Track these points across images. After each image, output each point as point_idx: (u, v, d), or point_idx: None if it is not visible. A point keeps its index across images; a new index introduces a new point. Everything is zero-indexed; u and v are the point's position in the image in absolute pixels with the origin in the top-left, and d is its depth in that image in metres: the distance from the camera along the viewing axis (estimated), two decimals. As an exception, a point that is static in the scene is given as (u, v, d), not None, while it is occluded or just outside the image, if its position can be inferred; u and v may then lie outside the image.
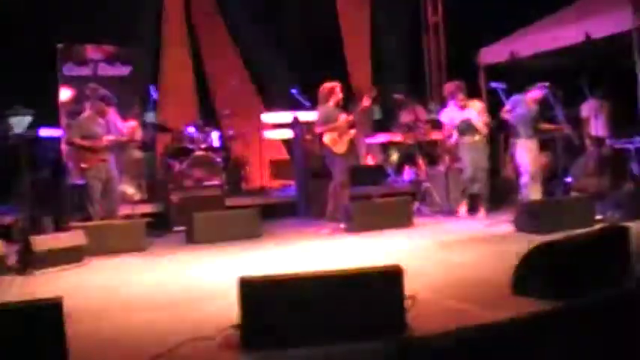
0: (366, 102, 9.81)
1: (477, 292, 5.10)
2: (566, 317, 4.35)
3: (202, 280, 6.29)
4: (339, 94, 9.63)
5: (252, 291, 3.76)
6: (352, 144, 9.77)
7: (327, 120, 9.51)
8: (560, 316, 4.34)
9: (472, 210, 9.91)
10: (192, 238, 8.54)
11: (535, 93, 9.54)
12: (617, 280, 4.92)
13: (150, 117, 11.05)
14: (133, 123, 10.54)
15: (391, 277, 3.90)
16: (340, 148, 9.50)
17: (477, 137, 9.81)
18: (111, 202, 8.93)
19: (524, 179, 9.47)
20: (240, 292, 3.82)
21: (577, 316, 4.37)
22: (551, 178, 10.74)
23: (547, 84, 9.38)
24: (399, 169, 13.42)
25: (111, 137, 9.01)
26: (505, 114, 9.62)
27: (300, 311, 3.73)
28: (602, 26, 9.90)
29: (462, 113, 9.74)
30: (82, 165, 8.74)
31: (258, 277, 3.89)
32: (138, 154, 11.03)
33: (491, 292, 4.99)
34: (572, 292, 4.47)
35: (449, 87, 10.10)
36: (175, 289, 5.91)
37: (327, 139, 9.49)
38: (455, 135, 9.90)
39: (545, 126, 9.66)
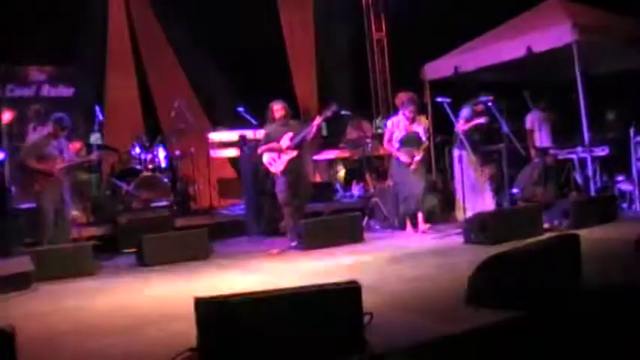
0: (315, 126, 9.60)
1: (432, 305, 5.12)
2: (520, 328, 4.41)
3: (156, 303, 6.17)
4: (277, 113, 9.46)
5: (209, 313, 3.71)
6: (297, 162, 9.63)
7: (268, 139, 9.47)
8: (515, 326, 4.40)
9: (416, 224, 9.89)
10: (142, 261, 8.38)
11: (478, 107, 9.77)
12: (569, 288, 5.00)
13: (95, 138, 10.86)
14: (77, 144, 10.36)
15: (349, 294, 3.88)
16: (277, 167, 9.38)
17: (418, 153, 9.82)
18: (64, 226, 8.78)
19: (472, 190, 9.60)
20: (197, 314, 3.76)
21: (531, 326, 4.44)
22: (497, 189, 10.89)
23: (491, 97, 9.53)
24: (347, 184, 13.46)
25: (67, 158, 8.89)
26: (463, 125, 9.75)
27: (258, 332, 3.69)
28: (543, 40, 10.11)
29: (411, 125, 9.76)
30: (37, 187, 8.57)
31: (214, 299, 3.83)
32: (84, 175, 10.85)
33: (447, 304, 5.01)
34: (525, 302, 4.53)
35: (402, 96, 9.92)
36: (129, 313, 5.78)
37: (265, 158, 9.46)
38: (397, 145, 9.80)
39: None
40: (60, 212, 8.71)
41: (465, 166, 9.72)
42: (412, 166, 9.55)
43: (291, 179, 9.34)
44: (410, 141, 9.68)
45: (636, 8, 10.96)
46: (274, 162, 9.42)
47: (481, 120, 9.74)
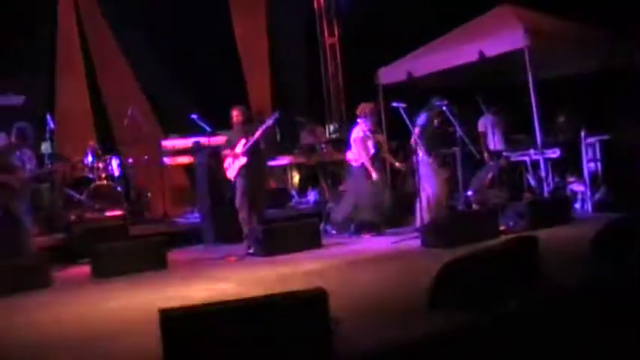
0: (258, 133, 9.59)
1: (396, 310, 5.12)
2: (481, 331, 4.44)
3: (112, 315, 6.03)
4: (235, 118, 9.61)
5: (174, 324, 3.64)
6: (250, 169, 9.56)
7: (228, 145, 9.56)
8: (478, 330, 4.43)
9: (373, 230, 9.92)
10: (96, 271, 8.23)
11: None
12: (529, 290, 5.05)
13: (45, 147, 10.66)
14: (27, 152, 10.15)
15: (316, 300, 3.86)
16: (231, 173, 9.50)
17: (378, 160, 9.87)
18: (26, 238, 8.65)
19: (430, 195, 9.64)
20: (162, 326, 3.69)
21: (492, 329, 4.48)
22: (451, 192, 10.97)
23: (445, 102, 9.58)
24: (302, 190, 13.43)
25: (29, 169, 8.78)
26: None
27: (225, 342, 3.63)
28: (496, 45, 10.23)
29: (375, 136, 9.80)
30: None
31: (178, 309, 3.77)
32: (35, 185, 10.62)
33: (410, 309, 5.00)
34: (486, 305, 4.57)
35: (365, 108, 9.99)
36: (84, 327, 5.64)
37: (225, 164, 9.56)
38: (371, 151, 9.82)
39: None
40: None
41: (426, 169, 9.75)
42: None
43: (245, 185, 9.37)
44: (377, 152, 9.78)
45: (583, 14, 11.18)
46: (230, 168, 9.52)
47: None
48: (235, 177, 9.46)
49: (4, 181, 8.42)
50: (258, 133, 9.31)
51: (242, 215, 9.42)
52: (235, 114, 9.61)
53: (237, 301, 3.88)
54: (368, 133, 9.84)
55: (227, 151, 9.57)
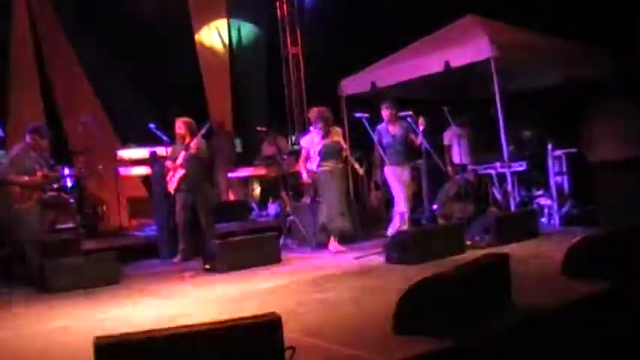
0: (193, 145, 9.39)
1: (358, 333, 4.77)
2: (455, 356, 4.14)
3: (57, 336, 5.59)
4: (178, 130, 9.60)
5: (110, 356, 3.25)
6: (189, 181, 9.48)
7: (170, 157, 9.62)
8: (449, 355, 4.13)
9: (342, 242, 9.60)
10: (45, 287, 7.79)
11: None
12: (501, 310, 4.78)
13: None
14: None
15: (268, 327, 3.50)
16: (171, 186, 9.51)
17: (339, 165, 9.56)
18: None
19: (396, 208, 9.46)
20: (96, 358, 3.30)
21: (464, 354, 4.18)
22: (416, 205, 10.75)
23: (410, 113, 9.36)
24: (263, 203, 13.13)
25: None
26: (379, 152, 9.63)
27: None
28: (461, 56, 10.02)
29: (328, 138, 9.48)
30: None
31: (116, 338, 3.37)
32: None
33: (375, 332, 4.67)
34: (457, 327, 4.27)
35: (312, 113, 9.73)
36: (27, 348, 5.24)
37: (167, 177, 9.57)
38: (317, 161, 9.51)
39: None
40: None
41: (393, 181, 9.53)
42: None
43: (185, 198, 9.46)
44: (330, 152, 9.43)
45: (550, 27, 11.08)
46: (170, 180, 9.56)
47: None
48: (175, 190, 9.46)
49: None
50: (193, 144, 9.28)
51: (180, 229, 9.45)
52: (178, 125, 9.60)
53: (182, 328, 3.49)
54: (315, 139, 9.50)
55: (168, 163, 9.54)
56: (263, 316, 3.63)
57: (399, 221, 9.53)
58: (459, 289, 4.51)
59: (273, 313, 3.63)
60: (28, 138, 8.65)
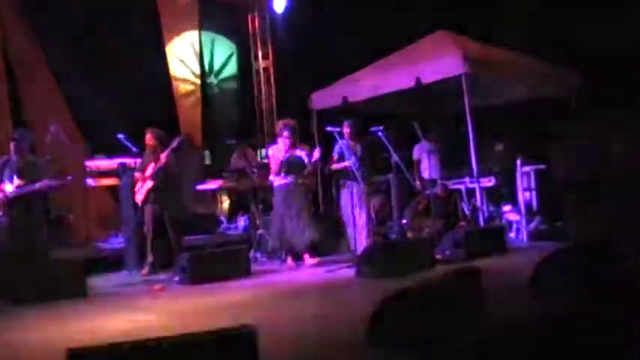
0: (163, 157, 9.34)
1: (329, 348, 4.74)
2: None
3: (22, 351, 5.44)
4: (148, 141, 9.52)
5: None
6: (158, 193, 9.38)
7: (138, 168, 9.54)
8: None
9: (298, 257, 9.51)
10: (8, 297, 7.63)
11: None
12: (473, 324, 4.78)
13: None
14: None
15: (244, 339, 3.45)
16: (139, 197, 9.43)
17: (299, 180, 9.51)
18: None
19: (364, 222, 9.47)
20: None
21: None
22: (385, 220, 10.77)
23: (381, 127, 9.37)
24: (232, 216, 13.05)
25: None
26: (333, 164, 9.62)
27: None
28: (433, 71, 10.10)
29: (293, 150, 9.44)
30: None
31: (89, 349, 3.32)
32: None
33: (345, 347, 4.65)
34: (427, 341, 4.26)
35: (279, 123, 9.75)
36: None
37: (136, 188, 9.50)
38: (282, 173, 9.46)
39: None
40: None
41: (353, 196, 9.54)
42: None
43: (153, 210, 9.33)
44: (292, 165, 9.38)
45: (520, 44, 11.23)
46: (138, 192, 9.45)
47: (346, 164, 9.51)
48: (142, 201, 9.37)
49: None
50: (163, 157, 9.24)
51: (148, 241, 9.37)
52: (148, 137, 9.52)
53: (155, 340, 3.44)
54: (282, 150, 9.47)
55: (137, 174, 9.48)
56: (238, 328, 3.57)
57: (364, 237, 9.51)
58: (429, 303, 4.51)
59: (248, 326, 3.57)
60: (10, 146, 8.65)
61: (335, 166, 9.71)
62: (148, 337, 3.57)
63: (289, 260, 9.40)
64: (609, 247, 6.36)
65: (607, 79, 11.38)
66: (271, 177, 9.62)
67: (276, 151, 9.52)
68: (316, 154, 9.37)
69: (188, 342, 3.36)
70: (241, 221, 12.40)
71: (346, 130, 9.78)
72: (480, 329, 4.71)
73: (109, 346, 3.39)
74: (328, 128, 9.36)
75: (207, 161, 14.27)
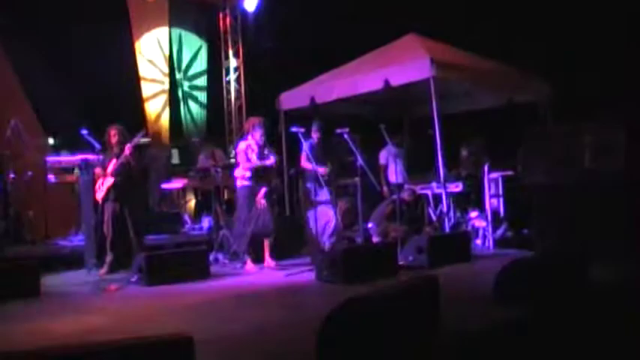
0: (127, 150, 9.15)
1: (280, 354, 4.59)
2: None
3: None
4: (112, 138, 9.34)
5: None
6: (119, 191, 9.21)
7: (99, 165, 9.39)
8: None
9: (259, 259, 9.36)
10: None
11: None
12: (429, 333, 4.65)
13: None
14: None
15: (179, 349, 3.26)
16: (99, 194, 9.28)
17: (265, 182, 9.34)
18: None
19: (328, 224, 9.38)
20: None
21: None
22: (351, 224, 10.64)
23: (347, 129, 9.24)
24: (197, 216, 12.85)
25: None
26: (305, 162, 9.52)
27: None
28: (401, 74, 9.99)
29: (263, 152, 9.25)
30: None
31: (32, 352, 3.10)
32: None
33: (297, 353, 4.51)
34: (383, 348, 4.13)
35: (253, 120, 9.41)
36: None
37: (97, 185, 9.36)
38: (247, 174, 9.27)
39: None
40: None
41: (319, 199, 9.45)
42: (261, 202, 9.11)
43: (114, 208, 9.18)
44: (260, 173, 9.20)
45: (488, 50, 11.17)
46: (99, 189, 9.29)
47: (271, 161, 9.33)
48: (103, 199, 9.21)
49: None
50: (127, 150, 9.09)
51: (107, 240, 9.19)
52: (113, 133, 9.35)
53: (85, 347, 3.24)
54: (253, 146, 9.26)
55: (98, 171, 9.34)
56: (174, 336, 3.38)
57: (327, 238, 9.41)
58: (385, 310, 4.36)
59: (184, 336, 3.38)
60: None
61: (304, 165, 9.59)
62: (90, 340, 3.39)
63: (249, 263, 9.21)
64: (574, 258, 6.27)
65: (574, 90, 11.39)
66: (237, 172, 9.40)
67: (247, 149, 9.27)
68: (272, 160, 9.20)
69: (117, 348, 3.17)
70: (205, 222, 12.21)
71: (315, 135, 9.69)
72: (436, 337, 4.60)
73: (48, 348, 3.19)
74: (293, 129, 9.21)
75: (175, 160, 14.03)
